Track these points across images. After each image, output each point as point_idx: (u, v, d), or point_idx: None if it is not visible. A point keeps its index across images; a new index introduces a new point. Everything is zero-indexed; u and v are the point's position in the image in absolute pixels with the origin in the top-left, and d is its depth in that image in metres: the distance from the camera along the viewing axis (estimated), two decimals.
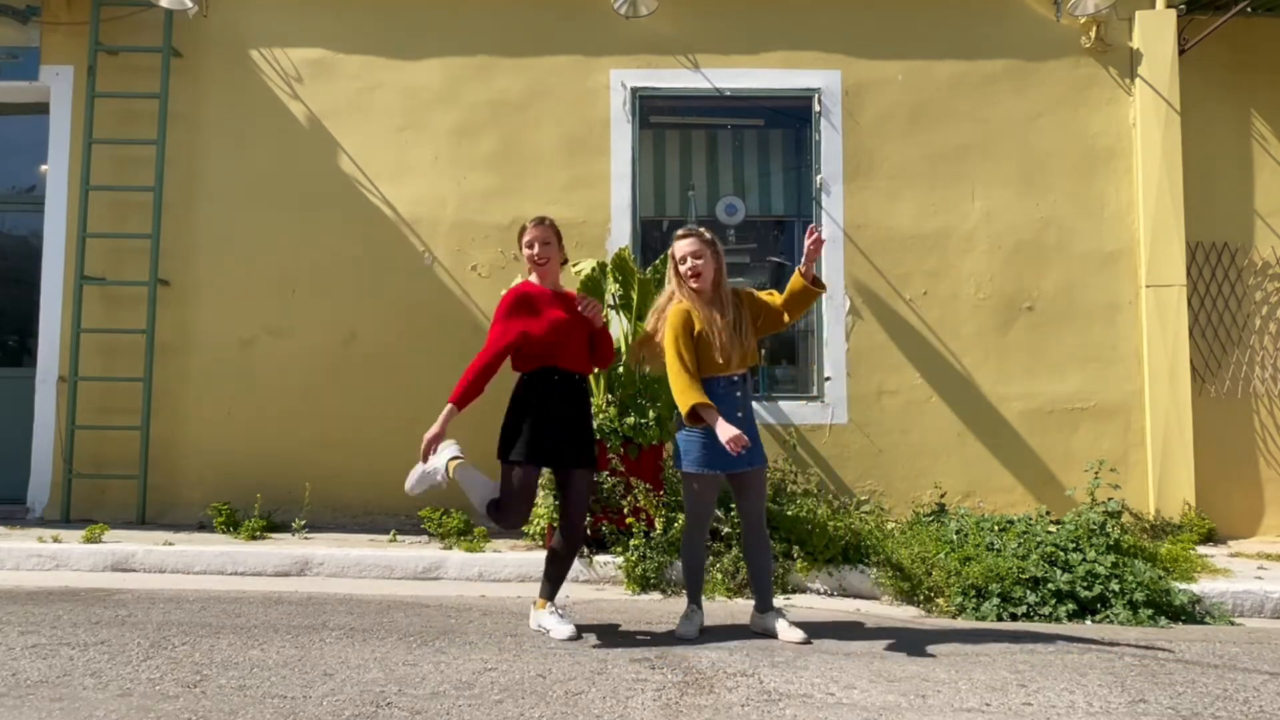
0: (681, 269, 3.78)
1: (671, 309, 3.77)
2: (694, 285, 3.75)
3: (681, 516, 4.97)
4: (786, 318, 3.85)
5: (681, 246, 3.79)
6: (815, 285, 3.77)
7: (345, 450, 6.28)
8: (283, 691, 2.94)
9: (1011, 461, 6.30)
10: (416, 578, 5.09)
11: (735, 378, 3.76)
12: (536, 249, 3.87)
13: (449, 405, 3.74)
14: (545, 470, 5.26)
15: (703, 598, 4.05)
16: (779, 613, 3.88)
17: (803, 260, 3.74)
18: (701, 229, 3.87)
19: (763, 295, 3.91)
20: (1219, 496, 6.26)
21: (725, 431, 3.53)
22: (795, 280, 3.77)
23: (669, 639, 3.75)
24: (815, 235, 3.73)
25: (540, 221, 3.92)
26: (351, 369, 6.35)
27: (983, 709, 2.90)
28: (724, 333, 3.70)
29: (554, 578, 3.91)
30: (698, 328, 3.71)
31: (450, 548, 5.37)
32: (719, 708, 2.85)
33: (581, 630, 3.78)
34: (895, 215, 6.44)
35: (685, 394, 3.63)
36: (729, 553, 4.89)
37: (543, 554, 5.21)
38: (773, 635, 3.78)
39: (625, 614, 4.25)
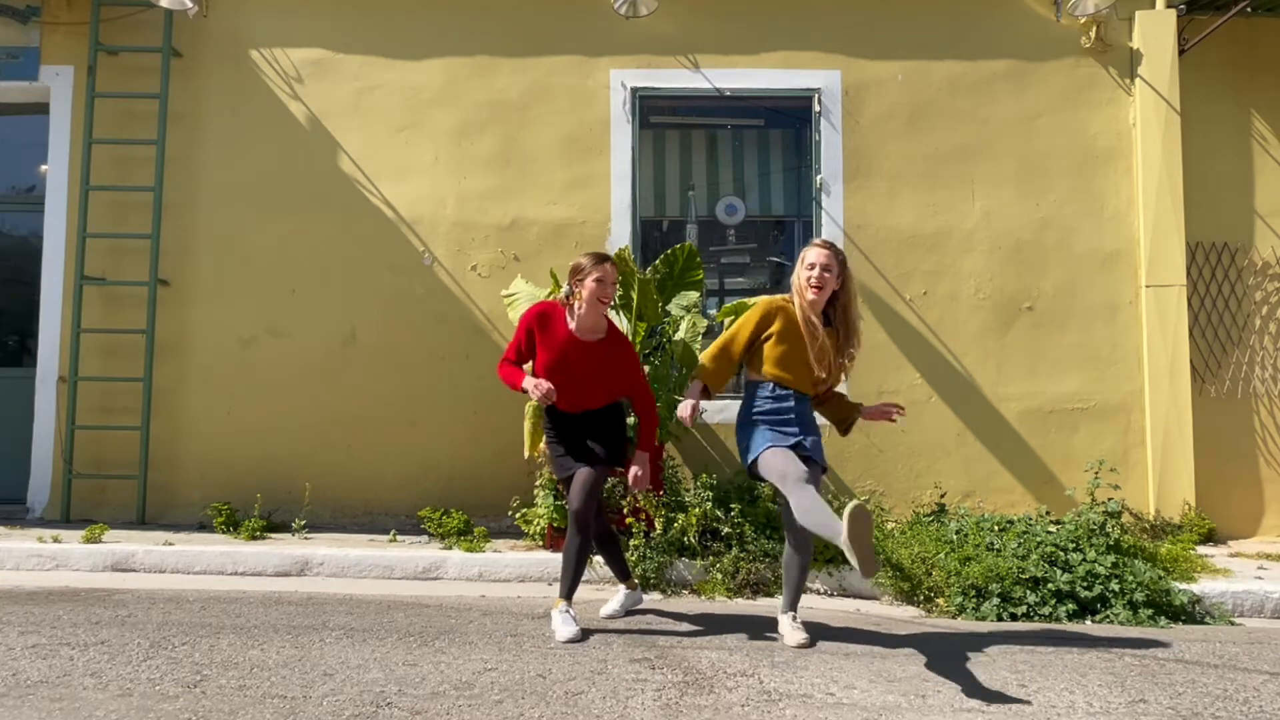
0: (807, 275, 3.75)
1: (763, 299, 3.90)
2: (810, 296, 3.74)
3: (681, 517, 4.99)
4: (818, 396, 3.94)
5: (813, 254, 3.78)
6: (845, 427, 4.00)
7: (345, 450, 6.28)
8: (283, 691, 2.94)
9: (1011, 461, 6.30)
10: (416, 578, 5.09)
11: (792, 391, 3.77)
12: (605, 291, 3.80)
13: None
14: (545, 472, 5.35)
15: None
16: (793, 614, 3.85)
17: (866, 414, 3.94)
18: (837, 245, 3.91)
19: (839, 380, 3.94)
20: (1219, 496, 6.26)
21: (683, 406, 3.77)
22: (846, 412, 4.00)
23: (669, 639, 3.75)
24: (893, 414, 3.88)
25: (610, 260, 3.85)
26: (351, 369, 6.35)
27: (983, 709, 2.90)
28: (812, 349, 3.73)
29: (563, 575, 3.88)
30: (776, 328, 3.75)
31: (450, 548, 5.37)
32: (719, 708, 2.85)
33: (584, 631, 3.78)
34: (895, 215, 6.44)
35: (701, 361, 3.87)
36: (729, 553, 4.89)
37: (542, 554, 5.22)
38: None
39: (625, 614, 4.24)
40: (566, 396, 3.87)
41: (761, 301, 3.87)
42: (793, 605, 3.84)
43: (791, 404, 3.76)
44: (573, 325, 3.86)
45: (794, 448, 3.67)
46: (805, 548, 3.81)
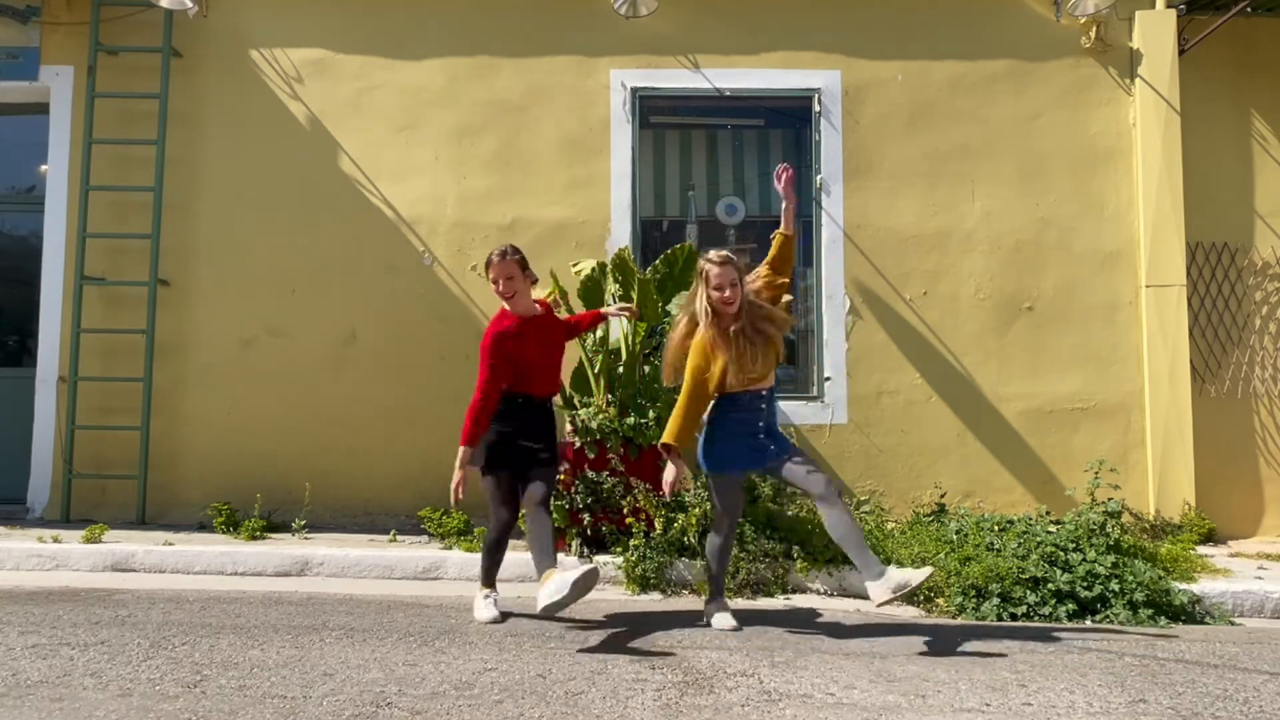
0: (715, 295, 3.82)
1: (699, 337, 3.86)
2: (727, 311, 3.82)
3: (681, 517, 5.00)
4: (782, 280, 4.04)
5: (716, 275, 3.82)
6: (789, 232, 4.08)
7: (345, 450, 6.28)
8: (283, 691, 2.94)
9: (1011, 461, 6.30)
10: (416, 578, 5.09)
11: (762, 391, 3.92)
12: (501, 285, 4.03)
13: (461, 447, 3.97)
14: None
15: (723, 593, 4.19)
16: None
17: (784, 218, 4.08)
18: (731, 255, 3.90)
19: (761, 281, 3.99)
20: (1219, 496, 6.26)
21: (669, 473, 3.87)
22: (778, 240, 4.07)
23: (669, 639, 3.75)
24: (787, 174, 4.07)
25: (502, 256, 4.01)
26: (351, 369, 6.35)
27: (983, 709, 2.90)
28: (745, 356, 3.82)
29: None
30: (720, 361, 3.82)
31: (450, 548, 5.37)
32: (719, 708, 2.85)
33: (581, 629, 3.77)
34: (895, 215, 6.44)
35: (670, 425, 3.83)
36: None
37: None
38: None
39: (625, 614, 4.25)
40: (540, 380, 4.14)
41: (698, 339, 3.85)
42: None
43: (763, 409, 3.93)
44: (519, 313, 4.07)
45: (765, 461, 3.91)
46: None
